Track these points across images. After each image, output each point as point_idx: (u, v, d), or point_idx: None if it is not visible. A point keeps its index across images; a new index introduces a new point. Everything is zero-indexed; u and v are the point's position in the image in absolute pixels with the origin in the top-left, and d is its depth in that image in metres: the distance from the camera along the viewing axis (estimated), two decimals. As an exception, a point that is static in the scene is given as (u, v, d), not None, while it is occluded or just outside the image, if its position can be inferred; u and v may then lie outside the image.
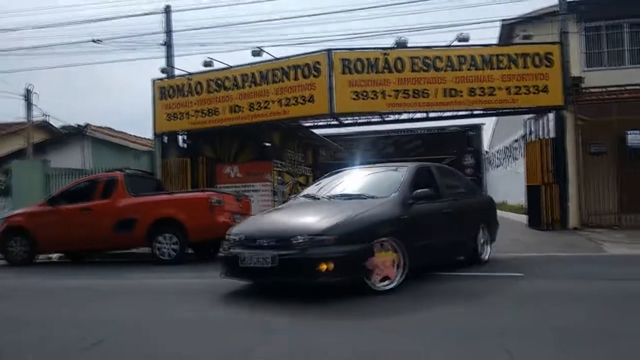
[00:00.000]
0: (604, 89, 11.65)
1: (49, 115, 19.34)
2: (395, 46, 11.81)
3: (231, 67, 12.92)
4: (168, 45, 14.38)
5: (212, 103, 12.89)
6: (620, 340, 3.41)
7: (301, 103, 11.86)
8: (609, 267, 7.09)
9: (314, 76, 11.69)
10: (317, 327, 3.95)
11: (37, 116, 18.48)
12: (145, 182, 10.01)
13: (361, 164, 7.71)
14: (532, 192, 12.01)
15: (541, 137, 12.34)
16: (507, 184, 21.24)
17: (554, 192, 11.59)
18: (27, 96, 17.96)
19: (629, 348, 3.26)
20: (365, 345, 3.43)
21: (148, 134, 14.48)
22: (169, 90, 13.41)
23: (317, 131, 16.46)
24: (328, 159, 21.28)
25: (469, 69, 11.51)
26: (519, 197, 15.43)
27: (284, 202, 10.99)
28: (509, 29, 14.39)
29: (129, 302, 5.37)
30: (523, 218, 13.01)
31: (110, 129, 18.21)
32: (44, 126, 19.81)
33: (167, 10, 14.59)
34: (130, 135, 18.28)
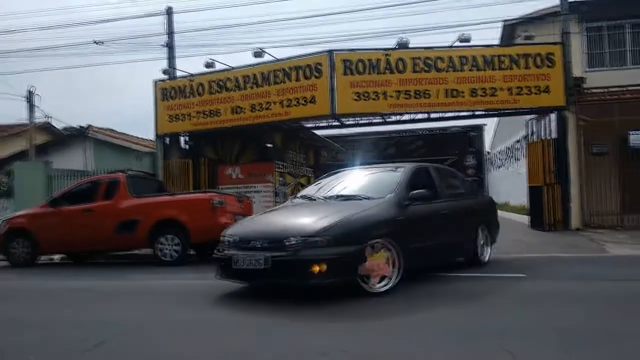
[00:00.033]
0: (605, 90, 11.64)
1: (51, 117, 19.42)
2: (396, 47, 11.81)
3: (233, 68, 12.95)
4: (170, 46, 14.41)
5: (214, 104, 12.91)
6: (622, 341, 3.41)
7: (303, 104, 11.87)
8: (612, 267, 7.08)
9: (316, 77, 11.69)
10: (313, 329, 3.94)
11: (39, 118, 18.55)
12: (147, 184, 10.02)
13: (362, 164, 7.68)
14: (534, 192, 12.00)
15: (543, 138, 12.33)
16: (509, 184, 21.22)
17: (556, 193, 11.58)
18: (30, 98, 18.01)
19: (632, 349, 3.26)
20: (360, 347, 3.41)
21: (150, 135, 14.52)
22: (171, 91, 13.43)
23: (318, 132, 16.47)
24: (330, 159, 21.28)
25: (470, 70, 11.51)
26: (521, 197, 15.42)
27: (285, 203, 10.98)
28: (511, 29, 14.38)
29: (131, 304, 5.38)
30: (525, 219, 12.99)
31: (112, 130, 18.25)
32: (46, 128, 19.88)
33: (169, 12, 14.63)
34: (132, 136, 18.31)
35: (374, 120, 13.85)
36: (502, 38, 15.06)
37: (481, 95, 11.50)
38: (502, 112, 13.33)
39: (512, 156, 21.01)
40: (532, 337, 3.50)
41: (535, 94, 11.45)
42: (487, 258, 7.04)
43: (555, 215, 11.52)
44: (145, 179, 10.29)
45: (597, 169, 11.63)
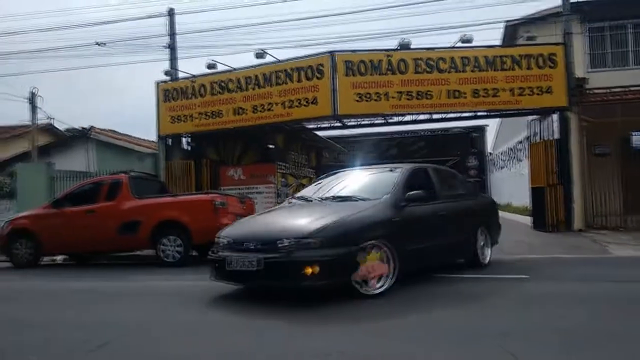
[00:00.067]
0: (608, 90, 11.62)
1: (53, 118, 19.47)
2: (398, 48, 11.81)
3: (235, 69, 12.96)
4: (172, 47, 14.44)
5: (216, 105, 12.92)
6: (625, 343, 3.40)
7: (304, 105, 11.88)
8: (614, 269, 7.07)
9: (317, 78, 11.70)
10: (310, 331, 3.94)
11: (41, 119, 18.59)
12: (149, 185, 10.04)
13: (362, 165, 7.63)
14: (537, 193, 11.98)
15: (545, 139, 12.32)
16: (512, 185, 21.20)
17: (558, 194, 11.56)
18: (32, 99, 18.05)
19: (634, 350, 3.25)
20: (356, 348, 3.40)
21: (152, 136, 14.54)
22: (173, 92, 13.45)
23: (320, 133, 16.47)
24: (331, 160, 21.28)
25: (472, 70, 11.50)
26: (524, 198, 15.40)
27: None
28: (513, 30, 14.36)
29: (134, 305, 5.39)
30: (527, 220, 12.97)
31: (114, 131, 18.27)
32: (49, 129, 19.93)
33: (171, 13, 14.65)
34: (134, 137, 18.33)
35: (376, 121, 13.84)
36: (504, 39, 15.04)
37: (483, 96, 11.49)
38: (504, 112, 13.32)
39: (514, 157, 20.98)
40: (534, 338, 3.49)
41: (538, 94, 11.43)
42: (487, 260, 6.97)
43: (558, 216, 11.50)
44: (147, 180, 10.31)
45: (600, 170, 11.60)
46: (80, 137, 17.08)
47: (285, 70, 12.10)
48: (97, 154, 16.44)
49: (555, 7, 12.59)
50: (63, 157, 16.55)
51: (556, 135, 11.92)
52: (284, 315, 4.39)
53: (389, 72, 11.55)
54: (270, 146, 14.32)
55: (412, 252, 5.37)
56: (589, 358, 3.16)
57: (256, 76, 12.48)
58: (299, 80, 11.92)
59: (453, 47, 11.81)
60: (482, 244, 6.87)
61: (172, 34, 14.52)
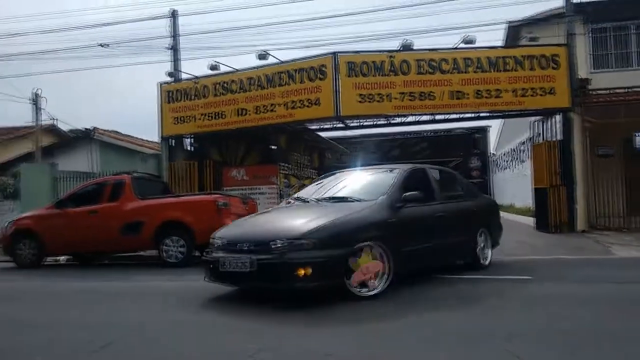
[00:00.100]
0: (611, 91, 11.60)
1: (56, 119, 19.52)
2: (400, 49, 11.82)
3: (237, 70, 12.99)
4: (174, 49, 14.47)
5: (219, 106, 12.95)
6: (628, 344, 3.40)
7: (307, 106, 11.89)
8: (618, 270, 7.06)
9: (320, 79, 11.72)
10: (308, 332, 3.95)
11: (45, 120, 18.65)
12: (152, 185, 10.06)
13: (363, 166, 7.57)
14: (540, 194, 11.97)
15: (548, 139, 12.31)
16: (514, 186, 21.16)
17: (561, 195, 11.54)
18: (36, 100, 18.10)
19: (637, 351, 3.25)
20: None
21: (154, 137, 14.58)
22: (176, 93, 13.49)
23: (323, 134, 16.48)
24: (334, 161, 21.30)
25: (475, 71, 11.50)
26: (526, 199, 15.37)
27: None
28: (515, 31, 14.35)
29: (137, 305, 5.40)
30: (530, 221, 12.96)
31: (117, 132, 18.30)
32: (52, 130, 19.98)
33: (174, 15, 14.69)
34: (137, 138, 18.36)
35: (378, 122, 13.84)
36: (507, 40, 15.03)
37: (486, 97, 11.48)
38: (506, 113, 13.31)
39: (517, 158, 20.95)
40: (538, 339, 3.49)
41: (540, 95, 11.43)
42: (487, 261, 6.88)
43: (561, 217, 11.48)
44: (150, 180, 10.34)
45: (603, 171, 11.58)
46: (84, 138, 17.13)
47: (287, 71, 12.12)
48: (100, 155, 16.48)
49: (558, 8, 12.59)
50: (66, 157, 16.59)
51: (559, 136, 11.90)
52: (286, 316, 4.40)
53: (391, 73, 11.56)
54: (273, 147, 14.34)
55: (408, 254, 5.33)
56: (592, 359, 3.15)
57: (259, 77, 12.50)
58: (302, 81, 11.93)
59: (455, 48, 11.81)
60: (482, 245, 6.80)
61: (175, 35, 14.55)
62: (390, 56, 11.62)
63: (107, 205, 9.12)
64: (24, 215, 10.19)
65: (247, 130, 12.98)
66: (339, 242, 4.76)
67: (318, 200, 5.91)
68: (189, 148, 14.45)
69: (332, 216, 5.03)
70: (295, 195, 6.61)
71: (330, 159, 20.95)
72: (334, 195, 5.87)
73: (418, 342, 3.58)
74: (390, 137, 24.61)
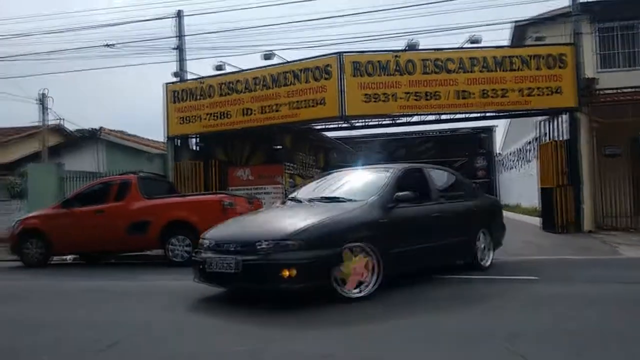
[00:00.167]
0: (618, 90, 11.53)
1: (63, 119, 19.62)
2: (406, 48, 11.80)
3: (242, 70, 13.02)
4: (180, 49, 14.50)
5: (224, 106, 12.98)
6: (635, 344, 3.38)
7: (312, 106, 11.90)
8: (625, 270, 7.02)
9: (325, 79, 11.71)
10: (312, 334, 3.94)
11: (51, 120, 18.75)
12: (158, 185, 10.10)
13: (366, 165, 7.48)
14: (546, 194, 11.91)
15: (555, 139, 12.25)
16: (521, 186, 21.09)
17: (568, 195, 11.48)
18: (42, 100, 18.21)
19: (645, 352, 3.23)
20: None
21: (161, 137, 14.63)
22: (181, 93, 13.53)
23: (328, 134, 16.48)
24: (339, 161, 21.29)
25: (480, 71, 11.46)
26: (533, 199, 15.31)
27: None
28: (522, 30, 14.29)
29: (143, 304, 5.41)
30: (537, 221, 12.90)
31: (123, 132, 18.39)
32: (59, 130, 20.09)
33: (179, 15, 14.73)
34: (143, 138, 18.45)
35: (384, 122, 13.83)
36: (513, 39, 14.98)
37: (492, 97, 11.45)
38: (513, 113, 13.26)
39: (523, 158, 20.87)
40: (544, 339, 3.47)
41: (547, 95, 11.38)
42: (488, 262, 6.72)
43: (568, 217, 11.42)
44: (156, 180, 10.37)
45: (610, 171, 11.52)
46: (90, 137, 17.22)
47: (292, 71, 12.13)
48: (106, 155, 16.57)
49: (565, 7, 12.52)
50: (73, 157, 16.69)
51: (565, 136, 11.85)
52: (288, 316, 4.40)
53: (396, 72, 11.54)
54: (278, 147, 14.36)
55: (401, 255, 5.25)
56: (598, 359, 3.14)
57: (264, 77, 12.52)
58: (307, 81, 11.94)
59: (461, 48, 11.78)
60: (482, 246, 6.64)
61: (181, 35, 14.59)
62: (396, 56, 11.60)
63: (114, 205, 9.16)
64: (31, 214, 10.24)
65: (252, 130, 13.00)
66: (326, 243, 4.70)
67: (310, 200, 5.84)
68: (194, 148, 14.49)
69: (321, 217, 4.97)
70: (290, 196, 6.56)
71: (335, 158, 20.94)
72: (326, 196, 5.81)
73: (420, 341, 3.57)
74: (395, 137, 24.55)
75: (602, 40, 13.01)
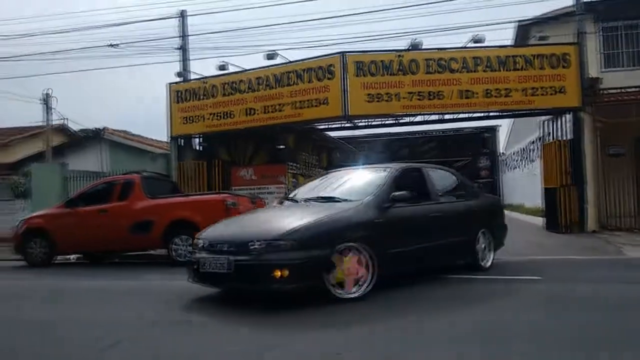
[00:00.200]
0: (622, 90, 11.49)
1: (67, 119, 19.69)
2: (409, 48, 11.78)
3: (246, 70, 13.04)
4: (183, 49, 14.52)
5: (227, 106, 12.99)
6: (638, 345, 3.36)
7: (315, 106, 11.90)
8: (629, 270, 7.00)
9: (328, 79, 11.71)
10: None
11: (55, 120, 18.82)
12: (161, 185, 10.11)
13: (367, 165, 7.38)
14: (550, 194, 11.88)
15: (558, 139, 12.21)
16: (524, 186, 21.03)
17: (571, 194, 11.44)
18: (46, 100, 18.27)
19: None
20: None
21: (164, 137, 14.67)
22: (185, 93, 13.55)
23: (331, 133, 16.48)
24: (342, 161, 21.29)
25: (484, 70, 11.43)
26: (536, 199, 15.26)
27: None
28: (525, 30, 14.26)
29: (147, 304, 5.42)
30: (540, 220, 12.87)
31: (126, 132, 18.45)
32: (62, 129, 20.17)
33: (182, 15, 14.75)
34: (147, 138, 18.49)
35: (387, 122, 13.82)
36: (516, 39, 14.94)
37: (495, 96, 11.42)
38: (516, 113, 13.22)
39: (526, 157, 20.81)
40: (546, 340, 3.46)
41: (551, 94, 11.34)
42: (489, 263, 6.63)
43: (571, 217, 11.38)
44: (159, 180, 10.39)
45: (614, 170, 11.48)
46: (94, 137, 17.28)
47: (295, 71, 12.13)
48: (110, 155, 16.62)
49: (568, 7, 12.48)
50: (76, 157, 16.76)
51: (569, 136, 11.80)
52: (289, 317, 4.40)
53: (400, 72, 11.53)
54: (281, 147, 14.36)
55: (397, 255, 5.21)
56: (602, 360, 3.13)
57: (267, 77, 12.53)
58: (310, 81, 11.94)
59: (464, 47, 11.75)
60: (483, 246, 6.56)
61: (184, 35, 14.61)
62: (399, 55, 11.59)
63: (117, 205, 9.18)
64: (34, 214, 10.28)
65: (255, 130, 13.01)
66: (319, 243, 4.66)
67: (306, 200, 5.81)
68: (197, 148, 14.52)
69: (314, 216, 4.93)
70: (289, 195, 6.54)
71: (338, 158, 20.94)
72: (322, 195, 5.77)
73: (414, 342, 3.55)
74: (398, 136, 24.54)
75: (606, 39, 12.97)
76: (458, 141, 24.61)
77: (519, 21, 14.06)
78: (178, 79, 14.04)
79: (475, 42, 11.68)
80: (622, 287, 5.53)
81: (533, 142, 18.07)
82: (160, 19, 15.19)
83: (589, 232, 11.06)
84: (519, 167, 23.41)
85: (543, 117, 13.30)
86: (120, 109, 55.88)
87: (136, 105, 60.04)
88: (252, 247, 4.62)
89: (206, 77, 13.50)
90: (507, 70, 11.40)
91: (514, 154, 24.73)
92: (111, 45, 15.45)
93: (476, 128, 23.52)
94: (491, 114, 12.71)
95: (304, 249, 4.58)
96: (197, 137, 14.35)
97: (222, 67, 13.29)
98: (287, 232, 4.66)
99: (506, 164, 27.50)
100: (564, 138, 11.98)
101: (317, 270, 4.61)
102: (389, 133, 23.05)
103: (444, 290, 5.44)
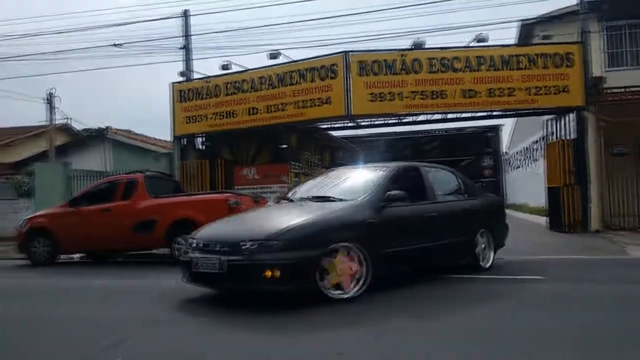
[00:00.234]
0: (625, 89, 11.45)
1: (70, 119, 19.75)
2: (412, 47, 11.77)
3: (248, 69, 13.04)
4: (186, 48, 14.56)
5: (230, 105, 13.00)
6: (643, 345, 3.35)
7: (318, 105, 11.90)
8: (632, 270, 6.96)
9: (331, 78, 11.71)
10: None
11: (58, 119, 18.87)
12: (164, 184, 10.12)
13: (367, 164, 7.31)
14: (553, 193, 11.85)
15: (562, 138, 12.18)
16: (527, 185, 20.98)
17: (575, 194, 11.41)
18: (50, 100, 18.33)
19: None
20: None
21: (167, 136, 14.69)
22: (188, 93, 13.57)
23: (334, 133, 16.47)
24: (345, 160, 21.28)
25: (487, 70, 11.41)
26: (539, 198, 15.23)
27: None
28: (528, 29, 14.22)
29: (149, 302, 5.43)
30: (543, 220, 12.83)
31: (130, 131, 18.49)
32: (66, 129, 20.23)
33: (185, 15, 14.78)
34: (150, 137, 18.54)
35: (390, 121, 13.80)
36: (520, 38, 14.91)
37: (498, 96, 11.40)
38: (519, 112, 13.20)
39: (530, 157, 20.77)
40: (548, 339, 3.45)
41: (554, 93, 11.31)
42: (489, 263, 6.56)
43: (575, 216, 11.35)
44: (162, 179, 10.40)
45: (618, 170, 11.44)
46: (97, 137, 17.33)
47: (298, 71, 12.13)
48: (113, 154, 16.67)
49: (572, 6, 12.45)
50: (80, 156, 16.81)
51: (573, 135, 11.77)
52: (291, 317, 4.40)
53: (402, 71, 11.52)
54: (284, 146, 14.37)
55: (393, 255, 5.16)
56: (605, 360, 3.12)
57: (270, 76, 12.53)
58: (313, 80, 11.94)
59: (468, 47, 11.74)
60: (483, 246, 6.48)
61: (187, 35, 14.64)
62: (402, 55, 11.57)
63: (120, 204, 9.20)
64: (38, 213, 10.31)
65: (258, 130, 13.02)
66: (311, 243, 4.60)
67: (302, 199, 5.77)
68: (200, 147, 14.53)
69: (308, 216, 4.89)
70: (286, 195, 6.50)
71: (341, 157, 20.93)
72: (317, 195, 5.72)
73: (414, 343, 3.54)
74: (401, 136, 24.51)
75: (609, 38, 12.92)
76: (461, 140, 24.57)
77: (522, 20, 14.03)
78: (181, 79, 14.07)
79: (479, 41, 11.67)
80: (626, 287, 5.51)
81: (536, 141, 18.03)
82: (164, 18, 15.25)
83: (592, 232, 11.03)
84: (522, 166, 23.36)
85: (546, 117, 13.27)
86: (124, 109, 55.98)
87: (139, 104, 60.18)
88: (244, 247, 4.58)
89: (209, 77, 13.52)
90: (510, 69, 11.38)
91: (517, 153, 24.68)
92: (115, 45, 15.50)
93: (479, 127, 23.47)
94: (494, 113, 12.69)
95: (296, 249, 4.53)
96: (200, 137, 14.36)
97: (225, 67, 13.30)
98: (279, 232, 4.61)
99: (509, 164, 27.44)
100: (568, 137, 11.95)
101: (310, 270, 4.55)
102: (392, 132, 23.01)
103: (444, 290, 5.43)
